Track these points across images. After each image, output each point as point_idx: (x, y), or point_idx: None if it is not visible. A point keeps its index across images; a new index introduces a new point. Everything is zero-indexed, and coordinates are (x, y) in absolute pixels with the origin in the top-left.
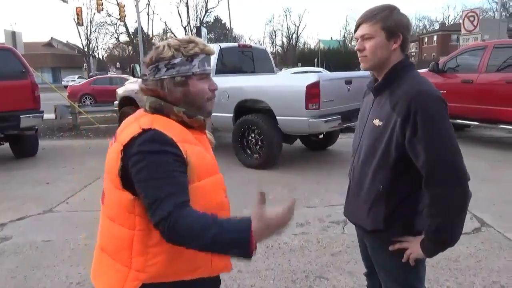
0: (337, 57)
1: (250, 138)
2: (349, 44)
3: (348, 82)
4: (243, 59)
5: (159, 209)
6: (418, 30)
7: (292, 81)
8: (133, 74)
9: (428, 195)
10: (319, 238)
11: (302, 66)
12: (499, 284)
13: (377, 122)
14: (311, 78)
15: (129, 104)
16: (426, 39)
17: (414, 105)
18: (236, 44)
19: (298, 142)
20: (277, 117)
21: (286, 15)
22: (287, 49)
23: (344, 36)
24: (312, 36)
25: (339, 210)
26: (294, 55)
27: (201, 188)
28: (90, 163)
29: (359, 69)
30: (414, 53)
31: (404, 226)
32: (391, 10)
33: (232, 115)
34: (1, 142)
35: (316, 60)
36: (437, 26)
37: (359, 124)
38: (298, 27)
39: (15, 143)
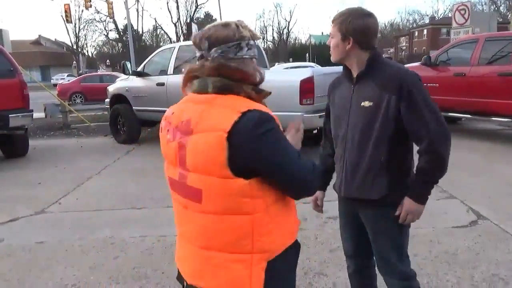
0: (328, 51)
1: None
2: None
3: None
4: None
5: (303, 176)
6: (408, 24)
7: (286, 76)
8: (124, 71)
9: (429, 138)
10: (316, 234)
11: (293, 61)
12: (498, 276)
13: (366, 103)
14: (305, 73)
15: (120, 102)
16: (416, 33)
17: (405, 83)
18: None
19: None
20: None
21: (276, 11)
22: (278, 45)
23: None
24: (303, 31)
25: (335, 205)
26: (285, 50)
27: None
28: (82, 162)
29: None
30: (405, 47)
31: (405, 188)
32: (349, 15)
33: None
34: None
35: (307, 55)
36: (427, 20)
37: (340, 112)
38: (289, 22)
39: (5, 143)
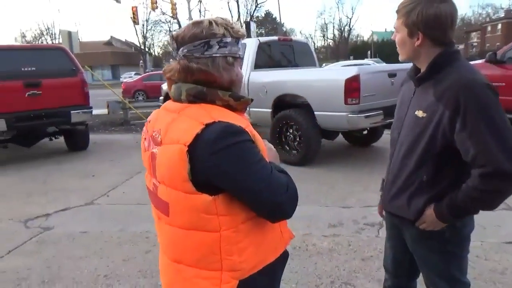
0: (391, 48)
1: (288, 134)
2: None
3: (392, 75)
4: (283, 53)
5: (280, 195)
6: (480, 18)
7: (331, 75)
8: None
9: (482, 184)
10: (350, 241)
11: (354, 59)
12: None
13: (420, 113)
14: (350, 72)
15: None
16: (489, 28)
17: (463, 96)
18: (276, 38)
19: (341, 138)
20: (315, 112)
21: (338, 7)
22: (339, 42)
23: None
24: (365, 28)
25: (375, 211)
26: (346, 48)
27: None
28: (135, 157)
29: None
30: (476, 44)
31: None
32: (417, 3)
33: (270, 110)
34: (56, 136)
35: (369, 52)
36: (502, 14)
37: (398, 113)
38: (350, 19)
39: (69, 137)
